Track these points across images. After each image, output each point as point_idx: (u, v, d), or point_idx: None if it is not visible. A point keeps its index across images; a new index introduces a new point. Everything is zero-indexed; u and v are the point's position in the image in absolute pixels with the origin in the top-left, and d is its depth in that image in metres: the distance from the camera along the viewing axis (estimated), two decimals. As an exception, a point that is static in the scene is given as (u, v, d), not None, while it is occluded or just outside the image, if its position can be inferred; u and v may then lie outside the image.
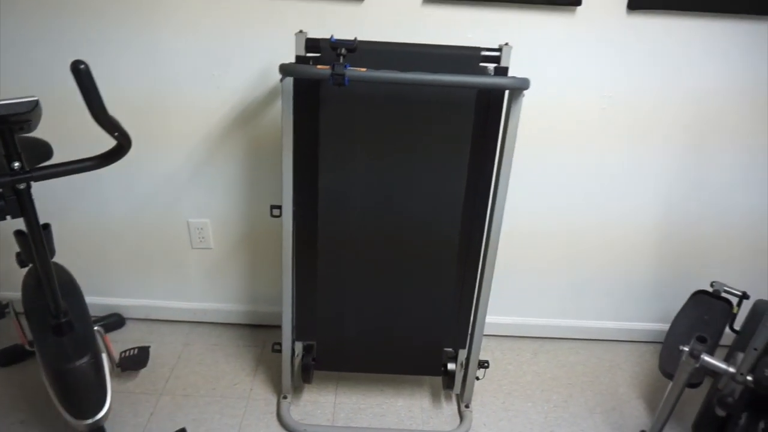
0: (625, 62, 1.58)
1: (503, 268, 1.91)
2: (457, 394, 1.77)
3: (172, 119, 1.68)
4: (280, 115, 1.53)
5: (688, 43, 1.55)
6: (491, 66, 1.34)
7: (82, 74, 1.00)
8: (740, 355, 1.22)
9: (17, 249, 1.48)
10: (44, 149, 1.48)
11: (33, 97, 1.05)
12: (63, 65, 1.61)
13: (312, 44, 1.33)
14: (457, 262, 1.53)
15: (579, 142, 1.70)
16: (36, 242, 1.28)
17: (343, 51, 1.23)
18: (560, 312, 2.01)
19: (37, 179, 1.18)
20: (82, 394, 1.34)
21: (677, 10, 1.50)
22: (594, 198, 1.79)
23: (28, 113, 1.06)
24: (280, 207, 1.45)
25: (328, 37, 1.29)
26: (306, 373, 1.65)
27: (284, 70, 1.26)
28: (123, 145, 1.20)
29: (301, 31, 1.32)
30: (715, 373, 1.28)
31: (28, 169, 1.17)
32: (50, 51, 1.58)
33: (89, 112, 1.07)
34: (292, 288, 1.55)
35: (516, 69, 1.58)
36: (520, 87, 1.27)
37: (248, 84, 1.63)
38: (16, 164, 1.15)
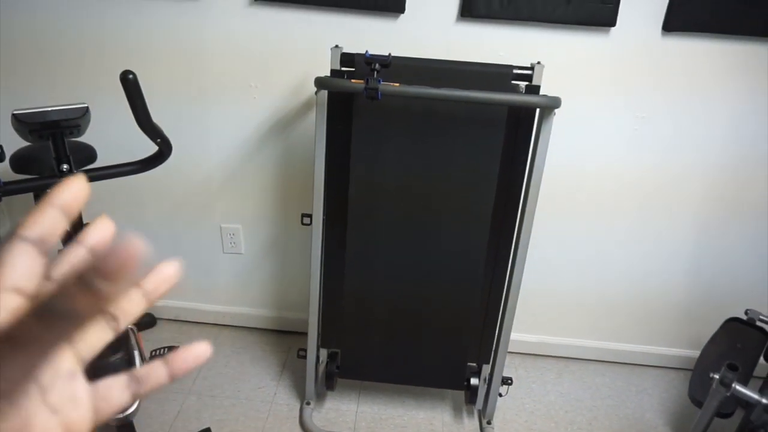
0: (660, 84, 1.57)
1: (529, 286, 1.90)
2: (479, 410, 1.76)
3: (209, 127, 1.74)
4: (314, 126, 1.57)
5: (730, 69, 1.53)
6: (523, 84, 1.35)
7: (130, 84, 1.05)
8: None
9: (60, 247, 1.55)
10: (89, 152, 1.55)
11: (83, 103, 1.11)
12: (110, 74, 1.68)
13: (347, 59, 1.36)
14: (483, 277, 1.54)
15: (609, 162, 1.68)
16: (78, 241, 1.34)
17: (377, 66, 1.26)
18: (587, 332, 1.98)
19: (83, 181, 1.24)
20: (114, 390, 1.39)
21: (716, 33, 1.49)
22: (625, 221, 1.77)
23: (78, 119, 1.12)
24: (310, 216, 1.48)
25: (362, 51, 1.32)
26: (330, 381, 1.67)
27: (320, 83, 1.29)
28: (164, 151, 1.25)
29: (336, 46, 1.36)
30: (748, 403, 1.25)
31: (75, 171, 1.23)
32: (97, 60, 1.66)
33: (135, 119, 1.13)
34: (319, 296, 1.58)
35: (547, 88, 1.58)
36: (551, 106, 1.28)
37: (283, 95, 1.67)
38: (65, 166, 1.21)
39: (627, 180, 1.70)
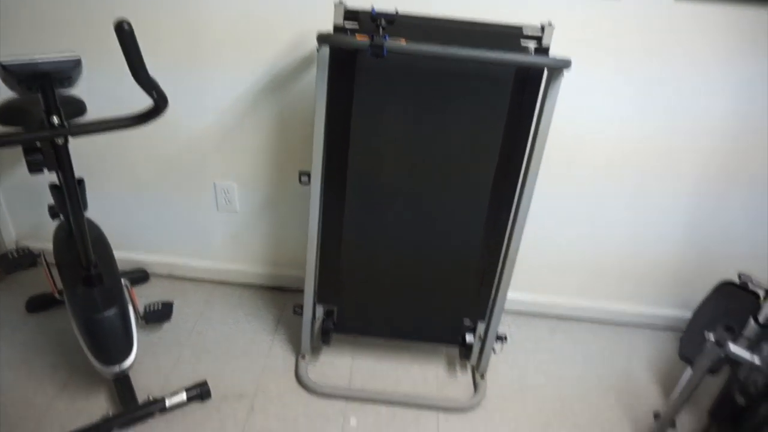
0: (667, 50, 1.53)
1: (523, 245, 1.90)
2: (472, 365, 1.80)
3: (204, 82, 1.67)
4: (313, 84, 1.52)
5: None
6: (532, 44, 1.31)
7: (125, 34, 1.00)
8: (765, 347, 1.22)
9: (49, 202, 1.51)
10: (78, 105, 1.49)
11: (76, 54, 1.05)
12: (102, 24, 1.60)
13: (350, 14, 1.30)
14: (483, 236, 1.54)
15: (609, 126, 1.66)
16: (71, 196, 1.31)
17: (383, 22, 1.21)
18: (580, 292, 2.01)
19: (75, 134, 1.19)
20: (110, 343, 1.39)
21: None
22: (621, 183, 1.76)
23: (70, 70, 1.06)
24: (308, 174, 1.46)
25: (364, 7, 1.26)
26: (326, 336, 1.68)
27: (322, 38, 1.24)
28: (159, 105, 1.20)
29: (340, 1, 1.30)
30: (735, 361, 1.29)
31: (66, 125, 1.18)
32: (90, 8, 1.57)
33: (129, 71, 1.07)
34: (317, 253, 1.57)
35: (552, 50, 1.54)
36: (561, 67, 1.24)
37: (283, 52, 1.60)
38: (55, 119, 1.16)
39: (626, 144, 1.68)
